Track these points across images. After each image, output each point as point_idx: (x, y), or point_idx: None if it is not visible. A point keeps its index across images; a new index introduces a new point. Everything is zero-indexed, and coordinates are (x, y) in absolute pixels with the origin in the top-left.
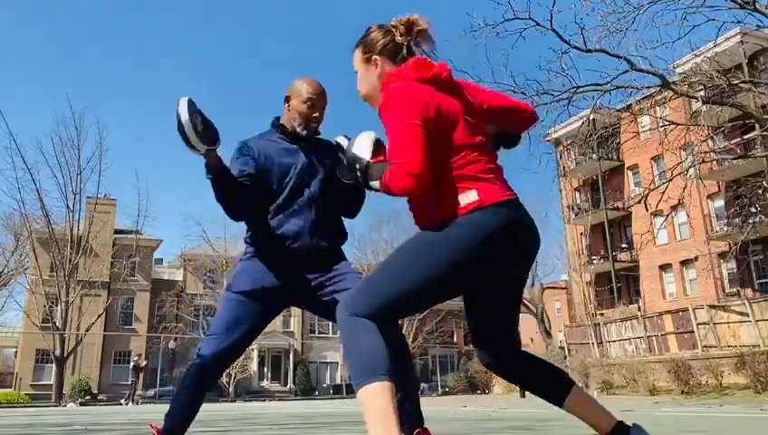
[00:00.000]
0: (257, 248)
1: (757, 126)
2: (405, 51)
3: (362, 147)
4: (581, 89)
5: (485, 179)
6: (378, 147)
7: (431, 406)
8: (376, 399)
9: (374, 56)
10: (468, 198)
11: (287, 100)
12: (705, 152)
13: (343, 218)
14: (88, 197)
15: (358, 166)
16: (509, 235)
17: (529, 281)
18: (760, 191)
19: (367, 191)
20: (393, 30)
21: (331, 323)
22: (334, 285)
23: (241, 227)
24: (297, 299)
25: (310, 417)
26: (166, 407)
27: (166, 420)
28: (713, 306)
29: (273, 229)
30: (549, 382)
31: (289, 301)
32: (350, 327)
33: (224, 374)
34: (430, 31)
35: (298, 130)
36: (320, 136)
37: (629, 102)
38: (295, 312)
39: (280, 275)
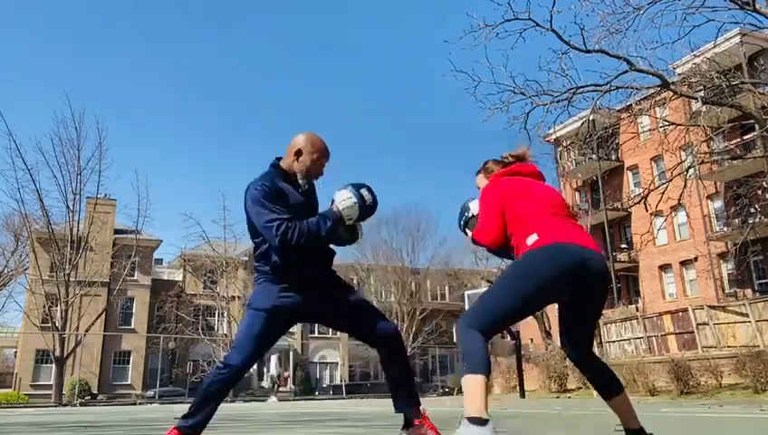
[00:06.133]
0: (275, 273)
1: (757, 126)
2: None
3: (473, 206)
4: (581, 89)
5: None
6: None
7: (431, 406)
8: (473, 384)
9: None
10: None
11: (298, 153)
12: (705, 153)
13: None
14: (88, 197)
15: (465, 214)
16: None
17: None
18: (759, 192)
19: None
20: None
21: None
22: (336, 306)
23: (239, 228)
24: (309, 316)
25: (306, 417)
26: (167, 407)
27: (188, 420)
28: (712, 307)
29: (286, 258)
30: (605, 383)
31: (302, 318)
32: (465, 335)
33: None
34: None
35: (300, 182)
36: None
37: (629, 103)
38: None
39: (293, 295)
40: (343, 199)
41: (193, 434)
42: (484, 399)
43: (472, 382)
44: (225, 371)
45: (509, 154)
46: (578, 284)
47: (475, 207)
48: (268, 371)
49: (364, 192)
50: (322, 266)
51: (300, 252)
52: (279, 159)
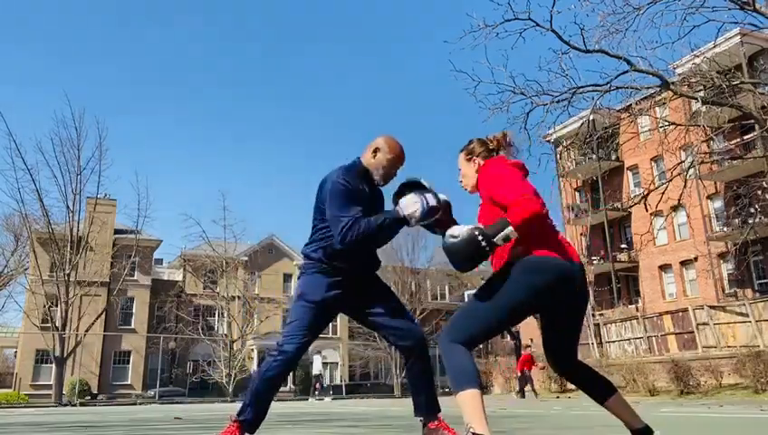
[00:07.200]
0: (326, 262)
1: (757, 126)
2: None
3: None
4: (581, 89)
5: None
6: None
7: None
8: (470, 399)
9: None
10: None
11: (376, 151)
12: (705, 153)
13: None
14: (88, 197)
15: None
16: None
17: None
18: (759, 192)
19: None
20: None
21: (330, 324)
22: (374, 302)
23: (239, 228)
24: (347, 309)
25: (306, 417)
26: (167, 407)
27: (247, 411)
28: (712, 307)
29: (344, 252)
30: (597, 388)
31: (342, 310)
32: (449, 350)
33: (223, 374)
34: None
35: (376, 179)
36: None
37: (629, 103)
38: None
39: (340, 290)
40: (410, 204)
41: (254, 426)
42: (484, 413)
43: (470, 398)
44: (280, 358)
45: (493, 137)
46: (560, 297)
47: (431, 200)
48: (312, 371)
49: (428, 197)
50: (367, 267)
51: (352, 248)
52: (359, 159)
